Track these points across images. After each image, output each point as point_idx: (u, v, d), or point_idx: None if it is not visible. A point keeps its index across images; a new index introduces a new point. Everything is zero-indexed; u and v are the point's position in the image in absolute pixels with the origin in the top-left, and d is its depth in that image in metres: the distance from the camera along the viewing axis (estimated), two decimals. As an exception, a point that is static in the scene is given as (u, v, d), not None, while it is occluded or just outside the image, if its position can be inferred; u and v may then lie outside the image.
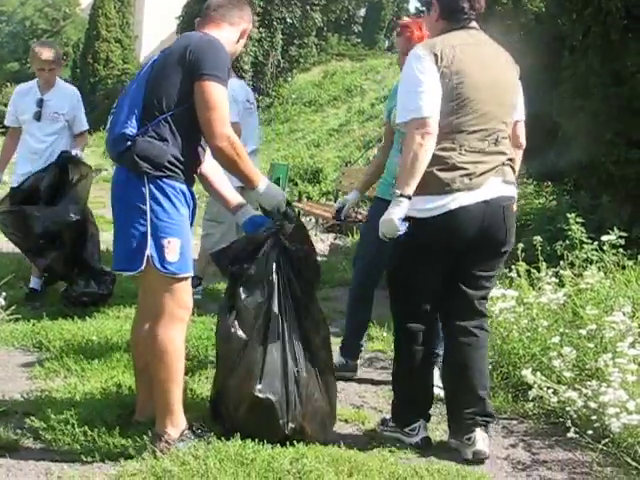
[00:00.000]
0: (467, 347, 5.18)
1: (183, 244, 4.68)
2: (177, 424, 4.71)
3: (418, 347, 5.20)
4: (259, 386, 4.87)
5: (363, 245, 6.78)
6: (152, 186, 4.63)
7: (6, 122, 8.91)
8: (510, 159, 5.20)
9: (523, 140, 5.61)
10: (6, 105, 9.24)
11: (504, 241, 5.16)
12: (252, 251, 5.05)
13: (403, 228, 4.83)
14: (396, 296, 5.36)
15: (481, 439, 4.98)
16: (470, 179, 4.94)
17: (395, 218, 4.81)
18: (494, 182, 5.03)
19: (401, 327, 5.33)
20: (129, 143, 4.67)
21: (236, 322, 4.96)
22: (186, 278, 4.74)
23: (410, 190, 4.84)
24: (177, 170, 4.69)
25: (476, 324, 5.22)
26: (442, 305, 5.32)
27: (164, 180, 4.65)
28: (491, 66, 5.14)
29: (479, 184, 4.97)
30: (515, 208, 5.29)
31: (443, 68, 4.92)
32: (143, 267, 4.61)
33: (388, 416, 5.47)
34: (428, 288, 5.20)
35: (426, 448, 5.07)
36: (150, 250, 4.58)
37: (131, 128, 4.69)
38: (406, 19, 7.17)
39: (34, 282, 8.63)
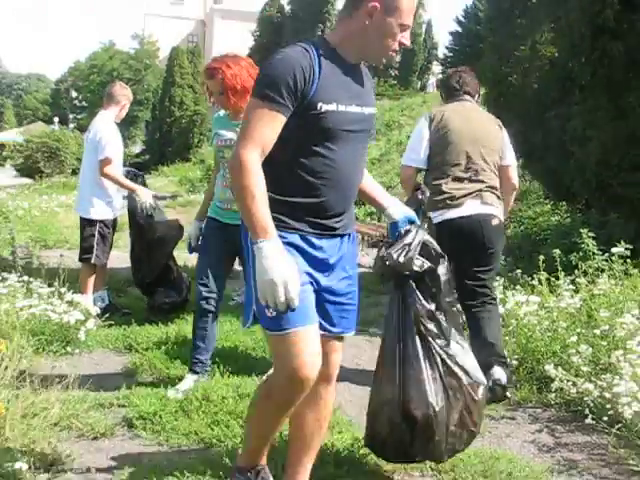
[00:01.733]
0: (475, 318, 5.97)
1: None
2: (245, 459, 3.84)
3: None
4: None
5: (201, 260, 5.98)
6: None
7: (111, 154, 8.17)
8: (490, 186, 6.05)
9: (515, 182, 6.42)
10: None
11: (484, 245, 5.96)
12: (424, 248, 3.98)
13: None
14: None
15: (498, 372, 5.72)
16: (452, 201, 5.91)
17: None
18: (472, 203, 5.96)
19: None
20: None
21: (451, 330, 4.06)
22: (291, 334, 3.39)
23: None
24: (278, 217, 3.41)
25: (480, 301, 6.00)
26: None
27: None
28: (474, 122, 6.17)
29: (459, 204, 5.92)
30: (496, 222, 6.01)
31: (434, 125, 6.09)
32: (250, 323, 3.61)
33: None
34: None
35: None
36: (255, 304, 3.48)
37: None
38: (215, 62, 5.71)
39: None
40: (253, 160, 3.29)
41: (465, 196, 5.92)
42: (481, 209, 5.94)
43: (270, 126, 3.33)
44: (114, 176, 8.16)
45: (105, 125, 8.31)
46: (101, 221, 8.20)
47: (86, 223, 8.24)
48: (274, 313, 3.30)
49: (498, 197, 6.08)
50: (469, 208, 5.93)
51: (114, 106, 8.48)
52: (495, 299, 6.20)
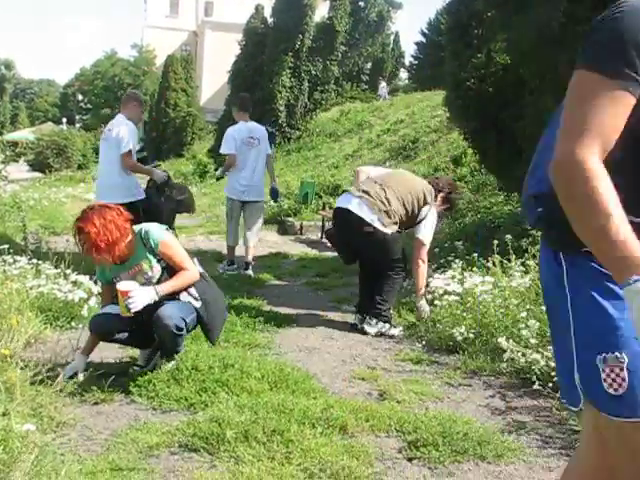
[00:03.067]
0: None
1: (635, 363, 2.04)
2: None
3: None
4: None
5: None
6: (572, 268, 2.18)
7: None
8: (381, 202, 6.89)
9: (416, 255, 7.20)
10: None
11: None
12: None
13: None
14: None
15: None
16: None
17: None
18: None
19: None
20: (540, 209, 2.27)
21: None
22: None
23: None
24: None
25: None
26: None
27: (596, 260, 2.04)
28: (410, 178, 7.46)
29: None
30: (369, 229, 6.79)
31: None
32: (582, 403, 2.19)
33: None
34: None
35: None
36: (577, 373, 2.13)
37: (543, 183, 2.20)
38: (82, 220, 5.00)
39: None
40: (595, 162, 1.97)
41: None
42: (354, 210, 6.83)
43: (614, 111, 2.00)
44: (135, 164, 8.73)
45: (124, 125, 8.64)
46: (123, 204, 8.28)
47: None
48: (620, 390, 2.03)
49: (386, 213, 6.81)
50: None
51: (130, 110, 8.90)
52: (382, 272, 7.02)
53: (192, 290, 5.21)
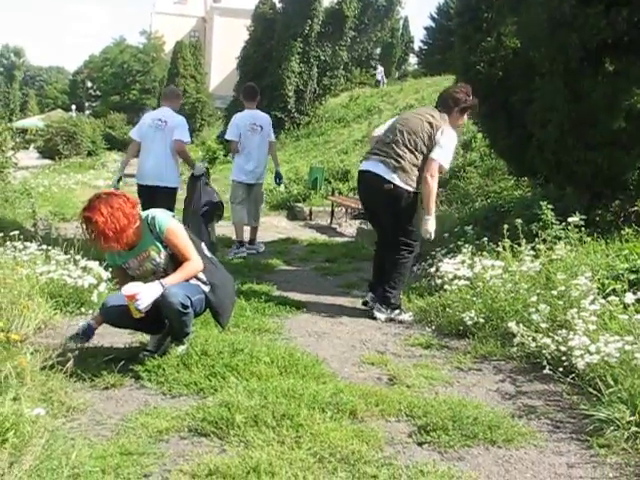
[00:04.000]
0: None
1: None
2: None
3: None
4: None
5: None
6: None
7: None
8: (394, 157, 6.91)
9: (427, 173, 6.87)
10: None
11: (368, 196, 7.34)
12: None
13: None
14: None
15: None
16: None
17: None
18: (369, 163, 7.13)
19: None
20: None
21: None
22: None
23: None
24: None
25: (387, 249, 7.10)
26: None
27: None
28: (410, 115, 7.42)
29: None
30: (389, 187, 6.85)
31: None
32: None
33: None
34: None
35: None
36: None
37: None
38: (89, 210, 4.94)
39: None
40: None
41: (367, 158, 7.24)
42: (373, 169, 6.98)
43: None
44: (189, 153, 10.19)
45: (181, 118, 9.80)
46: (171, 188, 9.63)
47: (169, 191, 9.51)
48: None
49: (401, 169, 6.82)
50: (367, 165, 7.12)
51: (174, 103, 9.99)
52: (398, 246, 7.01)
53: (200, 274, 5.21)
